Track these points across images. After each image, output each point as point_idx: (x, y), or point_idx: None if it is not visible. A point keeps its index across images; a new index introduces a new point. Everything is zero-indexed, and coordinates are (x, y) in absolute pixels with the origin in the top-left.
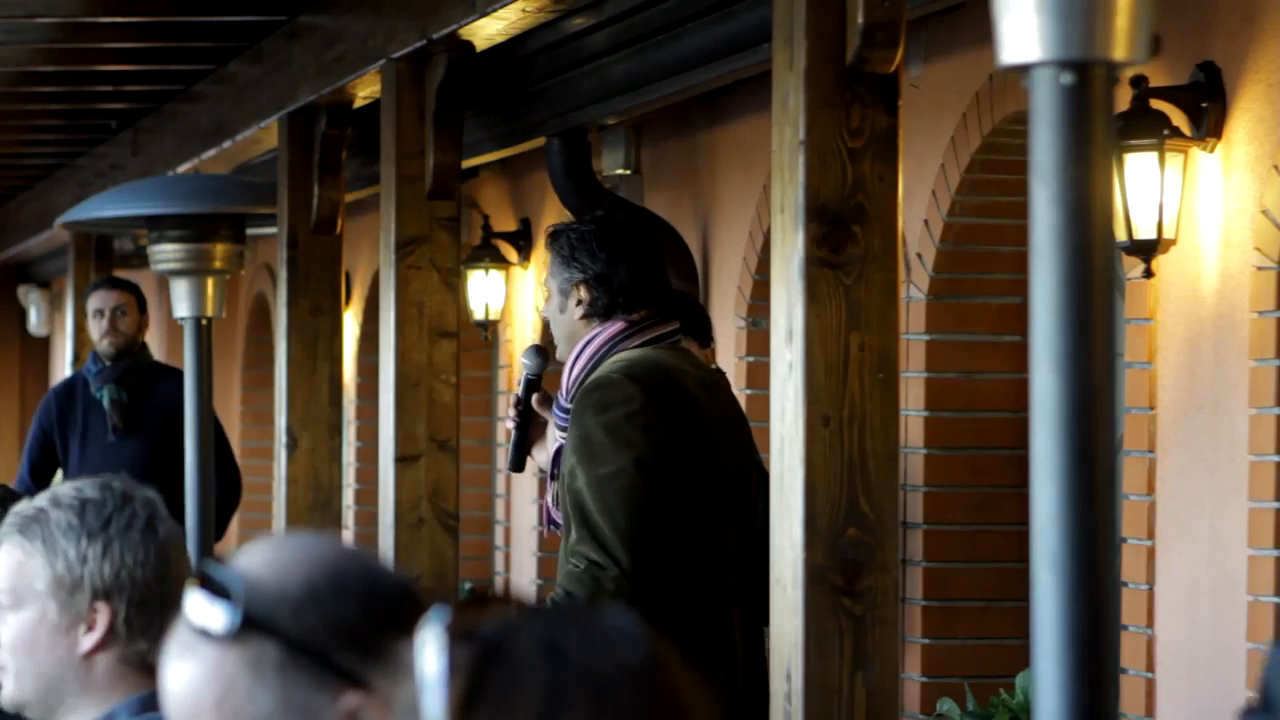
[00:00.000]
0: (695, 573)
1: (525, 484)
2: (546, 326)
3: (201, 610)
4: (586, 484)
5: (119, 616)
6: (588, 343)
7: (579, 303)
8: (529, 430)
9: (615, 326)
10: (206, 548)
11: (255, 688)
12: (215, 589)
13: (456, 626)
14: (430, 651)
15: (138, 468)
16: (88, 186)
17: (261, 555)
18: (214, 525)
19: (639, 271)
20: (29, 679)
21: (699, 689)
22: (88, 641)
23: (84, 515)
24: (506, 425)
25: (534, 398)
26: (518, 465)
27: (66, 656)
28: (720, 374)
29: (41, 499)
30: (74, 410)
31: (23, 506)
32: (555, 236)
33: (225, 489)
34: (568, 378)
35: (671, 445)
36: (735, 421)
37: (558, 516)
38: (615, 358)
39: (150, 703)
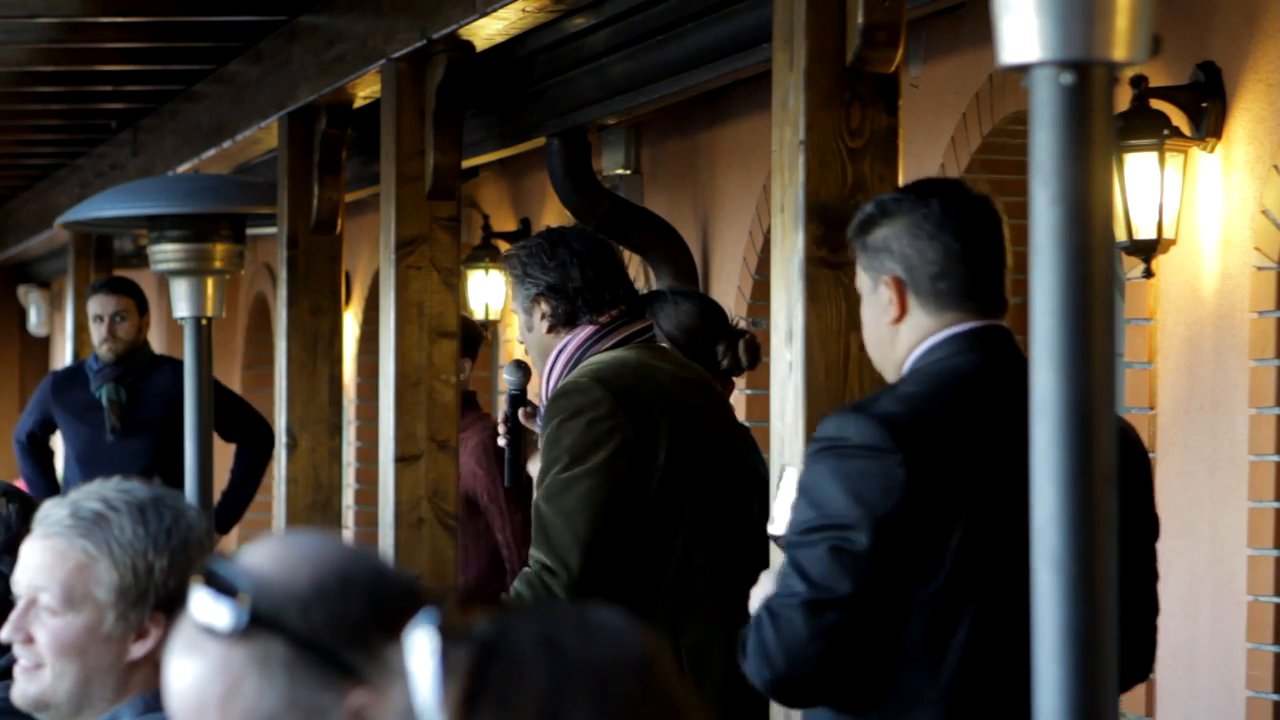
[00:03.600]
0: (655, 572)
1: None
2: None
3: (208, 608)
4: (550, 487)
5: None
6: (559, 352)
7: (543, 316)
8: (521, 446)
9: (584, 332)
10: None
11: (262, 685)
12: (221, 586)
13: (449, 627)
14: (423, 652)
15: (139, 461)
16: (88, 186)
17: (268, 553)
18: (249, 480)
19: (591, 274)
20: (69, 681)
21: (688, 684)
22: (138, 650)
23: (146, 523)
24: (499, 443)
25: (520, 412)
26: (516, 480)
27: (112, 663)
28: (704, 373)
29: (91, 500)
30: (73, 397)
31: (79, 507)
32: (507, 259)
33: (257, 441)
34: (545, 389)
35: (642, 446)
36: (722, 418)
37: None
38: (585, 362)
39: (154, 703)
